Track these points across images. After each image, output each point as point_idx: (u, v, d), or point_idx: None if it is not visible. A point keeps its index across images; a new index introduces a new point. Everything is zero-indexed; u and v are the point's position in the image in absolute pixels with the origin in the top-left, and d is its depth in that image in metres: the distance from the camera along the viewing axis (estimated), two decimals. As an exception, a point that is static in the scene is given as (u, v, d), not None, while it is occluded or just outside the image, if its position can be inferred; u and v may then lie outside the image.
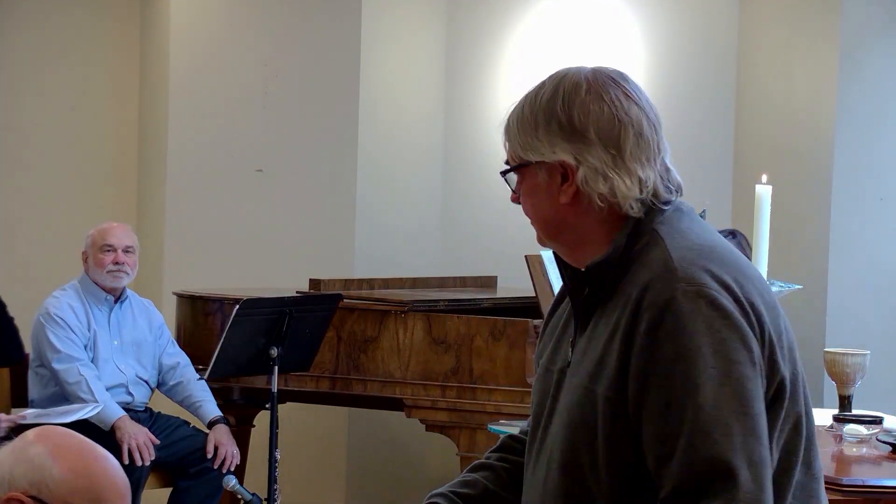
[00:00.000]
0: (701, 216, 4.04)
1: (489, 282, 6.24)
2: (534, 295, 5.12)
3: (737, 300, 1.96)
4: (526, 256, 5.19)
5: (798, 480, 2.03)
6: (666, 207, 2.07)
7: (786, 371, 1.99)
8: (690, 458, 1.93)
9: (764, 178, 3.88)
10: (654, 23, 6.34)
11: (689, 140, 6.27)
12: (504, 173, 2.14)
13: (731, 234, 5.32)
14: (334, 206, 6.41)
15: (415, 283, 5.94)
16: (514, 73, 6.62)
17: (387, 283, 5.81)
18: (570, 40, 6.49)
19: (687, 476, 1.93)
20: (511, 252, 5.93)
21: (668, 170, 2.08)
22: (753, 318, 1.96)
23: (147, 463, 5.08)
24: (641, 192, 2.04)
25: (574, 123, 2.06)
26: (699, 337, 1.93)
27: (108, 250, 5.32)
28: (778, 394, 1.99)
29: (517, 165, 2.12)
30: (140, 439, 5.07)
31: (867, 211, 5.46)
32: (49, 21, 6.88)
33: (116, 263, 5.30)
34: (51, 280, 5.66)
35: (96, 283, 5.34)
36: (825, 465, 3.31)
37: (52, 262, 6.53)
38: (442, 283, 6.04)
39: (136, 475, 5.08)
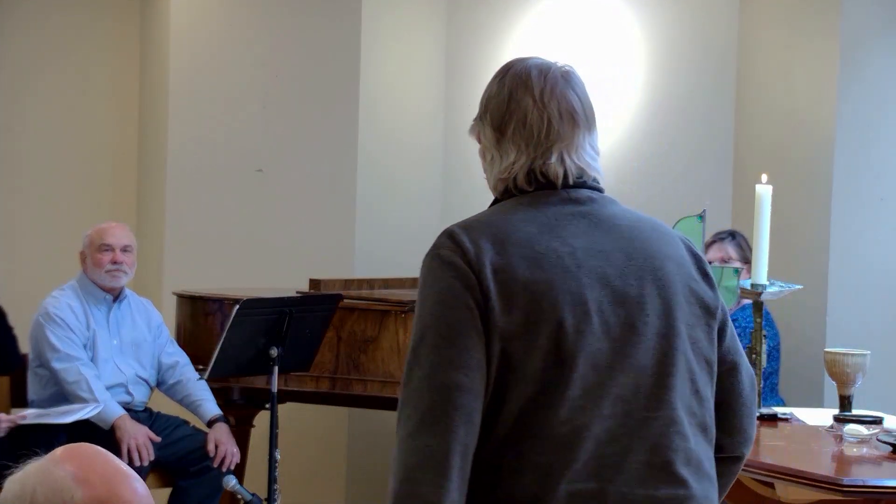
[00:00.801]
0: (701, 216, 4.04)
1: (489, 282, 6.23)
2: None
3: (465, 257, 2.19)
4: (526, 256, 5.19)
5: (510, 436, 2.16)
6: (516, 193, 2.29)
7: (496, 332, 2.16)
8: (400, 394, 2.20)
9: (764, 178, 3.88)
10: (655, 23, 6.34)
11: (689, 140, 6.28)
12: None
13: (731, 234, 5.33)
14: (334, 206, 6.41)
15: (415, 283, 5.92)
16: (514, 73, 6.61)
17: (387, 283, 5.81)
18: (569, 40, 6.49)
19: (398, 408, 2.19)
20: (511, 252, 5.92)
21: (547, 161, 2.27)
22: (480, 275, 2.17)
23: (147, 463, 5.08)
24: (507, 174, 2.29)
25: (484, 103, 2.36)
26: (427, 288, 2.23)
27: (107, 250, 5.32)
28: (489, 343, 2.16)
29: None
30: (140, 439, 5.07)
31: (867, 211, 5.46)
32: (49, 21, 6.88)
33: (115, 263, 5.30)
34: (50, 280, 5.66)
35: (95, 283, 5.34)
36: (825, 465, 3.30)
37: (52, 262, 6.52)
38: (442, 283, 6.03)
39: (135, 475, 5.08)
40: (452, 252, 2.21)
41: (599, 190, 2.31)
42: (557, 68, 2.31)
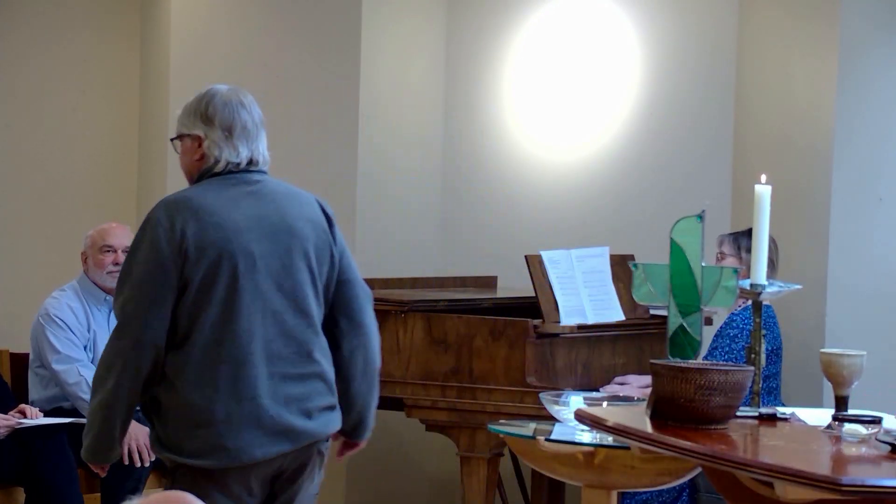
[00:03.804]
0: (700, 217, 4.03)
1: (489, 282, 6.24)
2: (534, 295, 5.12)
3: (170, 225, 3.41)
4: (526, 256, 5.19)
5: (208, 341, 3.42)
6: (220, 175, 3.55)
7: (194, 276, 3.41)
8: None
9: (763, 178, 3.89)
10: (655, 22, 6.35)
11: (688, 140, 6.28)
12: (172, 139, 3.66)
13: (742, 235, 5.29)
14: (334, 207, 6.35)
15: (415, 283, 5.94)
16: (515, 75, 6.62)
17: (387, 283, 5.81)
18: (569, 41, 6.50)
19: None
20: (511, 252, 5.93)
21: (231, 151, 3.54)
22: (178, 238, 3.40)
23: (147, 464, 5.09)
24: (208, 162, 3.56)
25: (207, 114, 3.58)
26: (141, 245, 3.46)
27: (108, 251, 5.33)
28: (186, 286, 3.42)
29: (177, 136, 3.65)
30: (141, 440, 5.07)
31: (867, 211, 5.46)
32: (48, 20, 6.88)
33: (116, 264, 5.31)
34: (51, 280, 5.66)
35: (96, 284, 5.35)
36: (824, 465, 3.31)
37: (52, 262, 6.53)
38: (442, 283, 6.04)
39: (136, 475, 5.09)
40: (164, 229, 3.40)
41: (265, 171, 3.60)
42: (238, 99, 3.59)
